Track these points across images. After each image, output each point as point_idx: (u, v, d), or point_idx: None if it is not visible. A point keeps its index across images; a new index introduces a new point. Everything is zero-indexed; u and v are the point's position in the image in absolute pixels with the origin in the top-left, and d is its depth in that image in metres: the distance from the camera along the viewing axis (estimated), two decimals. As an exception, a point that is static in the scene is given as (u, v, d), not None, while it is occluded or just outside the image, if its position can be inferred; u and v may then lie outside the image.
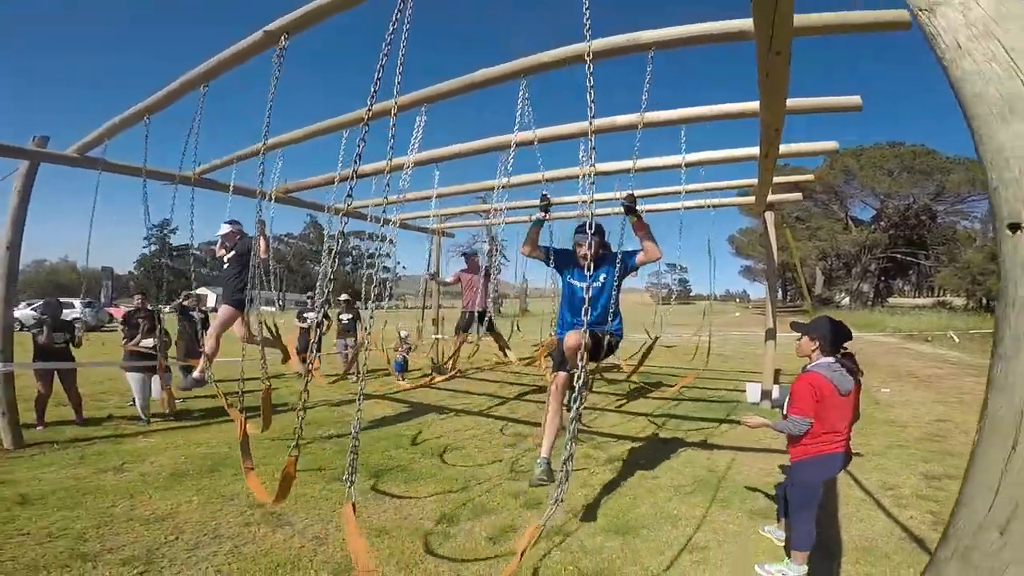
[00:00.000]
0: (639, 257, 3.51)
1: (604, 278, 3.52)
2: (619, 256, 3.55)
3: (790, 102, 3.77)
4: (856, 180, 41.09)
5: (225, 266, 5.49)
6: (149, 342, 5.81)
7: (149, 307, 6.36)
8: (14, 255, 4.84)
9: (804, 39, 3.12)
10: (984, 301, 27.22)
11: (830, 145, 5.64)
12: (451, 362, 6.88)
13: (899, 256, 42.73)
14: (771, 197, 7.21)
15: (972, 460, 0.95)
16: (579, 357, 2.19)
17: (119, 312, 7.48)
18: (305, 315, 9.00)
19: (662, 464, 4.43)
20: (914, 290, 49.02)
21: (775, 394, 6.90)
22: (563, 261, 3.73)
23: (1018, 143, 0.88)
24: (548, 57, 3.40)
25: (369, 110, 2.15)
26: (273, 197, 6.08)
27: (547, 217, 3.74)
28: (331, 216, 7.40)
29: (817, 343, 2.75)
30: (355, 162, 2.31)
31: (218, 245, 5.51)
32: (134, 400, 6.15)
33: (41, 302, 6.63)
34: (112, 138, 4.92)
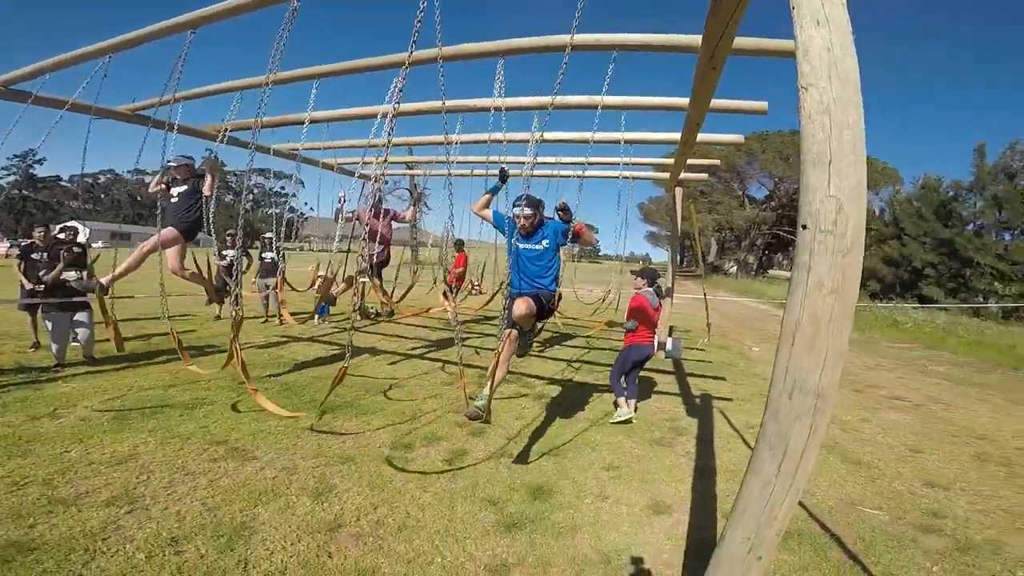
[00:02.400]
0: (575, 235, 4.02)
1: (545, 243, 4.03)
2: (555, 229, 4.03)
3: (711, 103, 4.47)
4: (757, 162, 45.04)
5: (173, 200, 5.41)
6: (72, 275, 5.39)
7: (77, 239, 6.01)
8: None
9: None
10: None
11: (737, 138, 6.65)
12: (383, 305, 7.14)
13: (782, 233, 47.66)
14: (683, 175, 8.16)
15: (776, 355, 1.49)
16: (527, 321, 2.78)
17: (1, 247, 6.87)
18: (224, 252, 8.72)
19: (579, 401, 5.21)
20: (790, 264, 54.62)
21: (669, 346, 7.96)
22: (508, 226, 4.11)
23: (817, 181, 1.43)
24: (526, 43, 3.82)
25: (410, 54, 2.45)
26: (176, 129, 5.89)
27: (502, 186, 4.25)
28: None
29: (644, 280, 4.87)
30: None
31: (158, 178, 5.36)
32: (36, 343, 5.92)
33: None
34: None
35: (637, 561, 2.52)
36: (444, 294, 5.71)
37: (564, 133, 6.67)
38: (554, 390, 5.60)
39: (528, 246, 4.00)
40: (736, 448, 4.15)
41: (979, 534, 2.93)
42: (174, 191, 5.44)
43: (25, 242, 6.55)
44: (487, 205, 4.27)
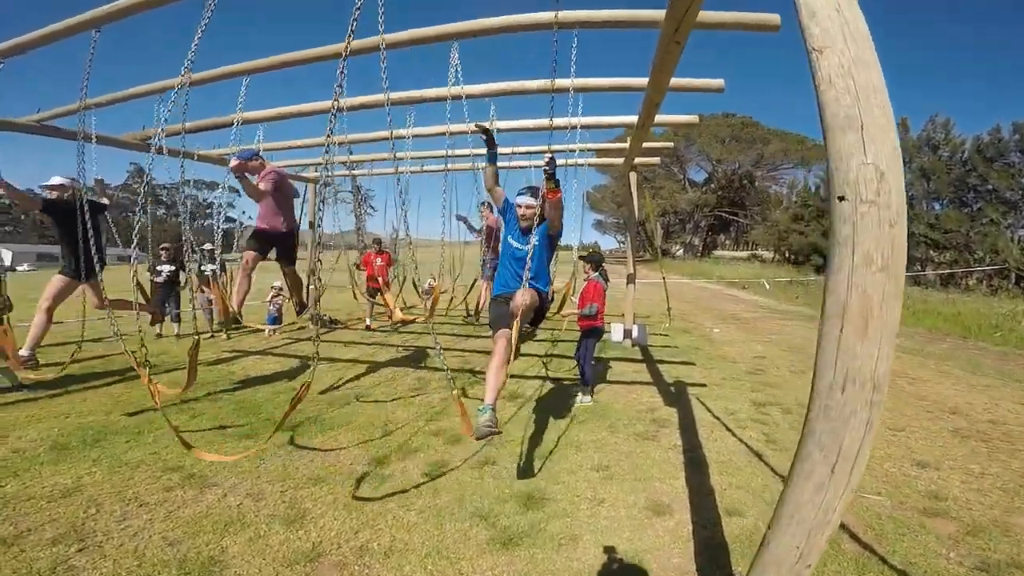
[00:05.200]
0: (551, 229, 3.66)
1: (539, 240, 3.63)
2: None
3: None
4: (695, 146, 46.49)
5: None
6: None
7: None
8: None
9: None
10: (787, 255, 32.54)
11: (691, 118, 6.61)
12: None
13: (724, 215, 49.46)
14: (637, 159, 8.11)
15: (819, 344, 1.36)
16: (527, 313, 2.54)
17: None
18: (159, 268, 8.07)
19: (555, 398, 5.04)
20: (734, 244, 57.13)
21: (635, 333, 7.94)
22: (507, 213, 3.81)
23: (850, 148, 1.31)
24: (485, 24, 3.54)
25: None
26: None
27: (496, 150, 3.79)
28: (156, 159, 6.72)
29: (590, 266, 5.17)
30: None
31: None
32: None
33: None
34: None
35: (647, 570, 2.36)
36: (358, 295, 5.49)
37: (519, 121, 6.45)
38: (527, 388, 5.40)
39: (519, 245, 3.67)
40: (721, 437, 4.07)
41: (983, 515, 2.91)
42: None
43: None
44: (496, 180, 3.88)
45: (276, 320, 8.88)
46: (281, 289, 9.13)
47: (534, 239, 3.47)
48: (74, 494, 2.94)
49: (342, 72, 2.96)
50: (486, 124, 3.64)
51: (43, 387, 5.09)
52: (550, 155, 3.31)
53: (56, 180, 5.09)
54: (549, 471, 3.39)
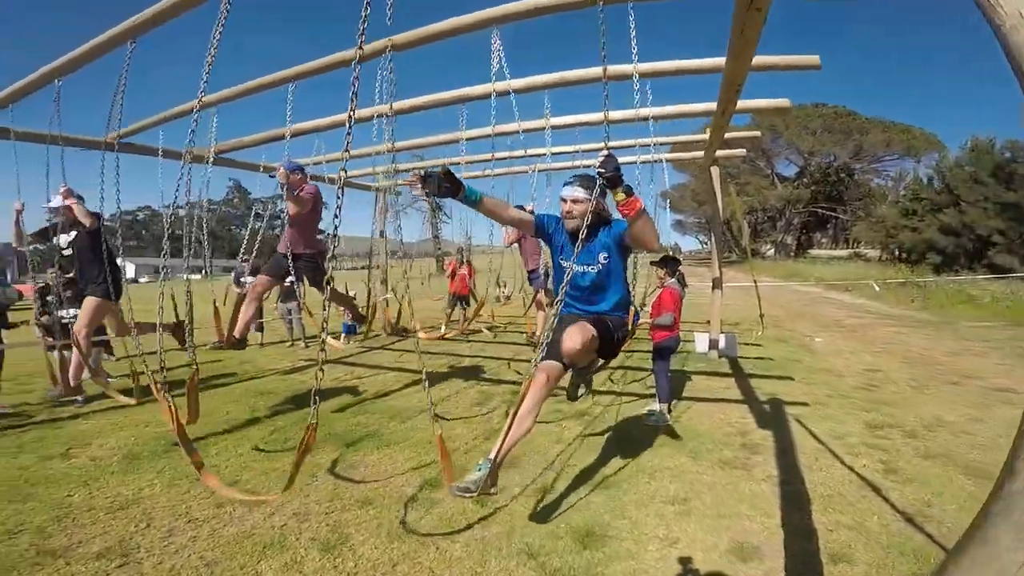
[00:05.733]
0: (628, 238, 2.65)
1: (604, 259, 2.75)
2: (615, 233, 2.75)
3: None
4: (782, 139, 43.62)
5: (65, 251, 4.78)
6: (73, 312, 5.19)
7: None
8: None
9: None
10: (897, 253, 29.48)
11: (783, 102, 5.83)
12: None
13: (820, 211, 45.79)
14: (719, 152, 7.41)
15: (1019, 434, 1.02)
16: (583, 357, 2.06)
17: (28, 289, 6.72)
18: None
19: (627, 417, 4.58)
20: (831, 242, 52.81)
21: (722, 343, 7.23)
22: (555, 233, 2.89)
23: None
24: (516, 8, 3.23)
25: (361, 48, 1.93)
26: (210, 158, 5.43)
27: (462, 188, 2.46)
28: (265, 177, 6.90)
29: (666, 271, 4.72)
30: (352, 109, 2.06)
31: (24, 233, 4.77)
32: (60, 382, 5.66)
33: None
34: (17, 102, 4.29)
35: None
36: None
37: (571, 116, 5.97)
38: (597, 407, 4.98)
39: (578, 267, 2.74)
40: (827, 466, 3.45)
41: None
42: (63, 239, 4.77)
43: (41, 283, 6.39)
44: (502, 204, 2.78)
45: (351, 329, 9.05)
46: (355, 297, 9.31)
47: (603, 259, 2.71)
48: (131, 506, 2.97)
49: (390, 71, 2.80)
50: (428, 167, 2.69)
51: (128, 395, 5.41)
52: (606, 152, 2.27)
53: (57, 200, 4.77)
54: (614, 503, 2.98)
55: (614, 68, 4.23)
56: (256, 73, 4.84)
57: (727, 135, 6.59)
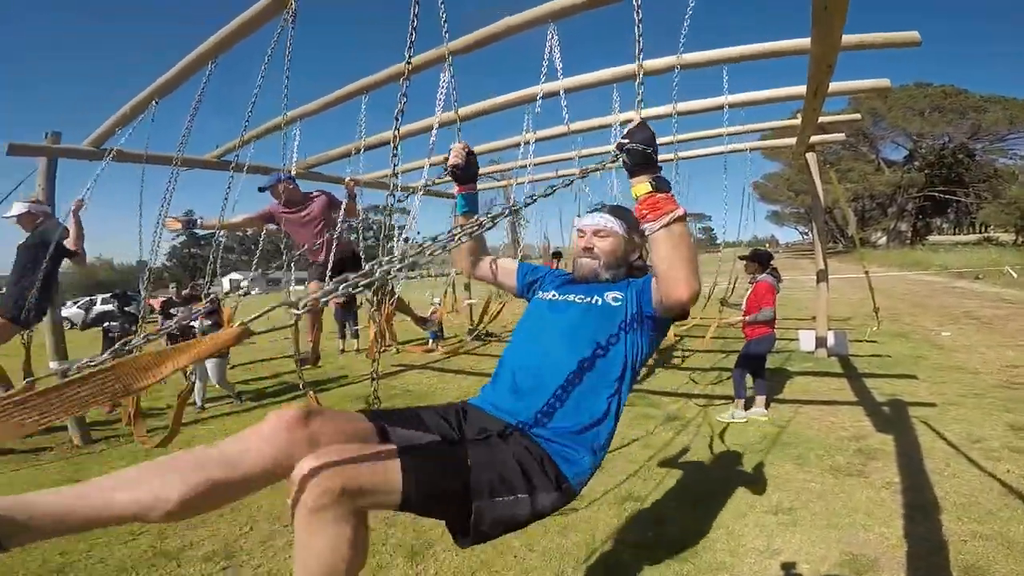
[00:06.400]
0: (656, 293, 1.36)
1: (618, 296, 1.48)
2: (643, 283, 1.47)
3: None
4: (885, 121, 40.10)
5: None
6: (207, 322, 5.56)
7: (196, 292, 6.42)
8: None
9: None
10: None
11: (883, 82, 5.15)
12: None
13: (937, 195, 41.31)
14: (814, 137, 6.80)
15: None
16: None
17: (158, 303, 7.52)
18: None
19: (721, 422, 4.26)
20: (953, 227, 47.40)
21: (830, 341, 6.60)
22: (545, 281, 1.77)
23: None
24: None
25: (409, 62, 1.94)
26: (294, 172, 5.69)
27: (464, 190, 1.70)
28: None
29: (757, 264, 4.58)
30: (396, 119, 2.04)
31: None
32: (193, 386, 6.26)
33: (111, 296, 6.65)
34: (125, 127, 4.71)
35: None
36: None
37: (652, 109, 5.61)
38: (688, 408, 4.70)
39: (575, 297, 1.54)
40: (960, 471, 3.02)
41: None
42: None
43: (164, 298, 7.11)
44: (477, 247, 1.81)
45: (437, 335, 9.30)
46: (440, 304, 9.55)
47: (611, 299, 1.47)
48: (240, 510, 3.13)
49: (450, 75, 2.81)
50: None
51: (253, 397, 6.01)
52: (638, 120, 1.27)
53: (19, 208, 4.25)
54: (709, 512, 2.77)
55: (688, 56, 4.00)
56: (323, 87, 4.96)
57: (821, 119, 6.02)
